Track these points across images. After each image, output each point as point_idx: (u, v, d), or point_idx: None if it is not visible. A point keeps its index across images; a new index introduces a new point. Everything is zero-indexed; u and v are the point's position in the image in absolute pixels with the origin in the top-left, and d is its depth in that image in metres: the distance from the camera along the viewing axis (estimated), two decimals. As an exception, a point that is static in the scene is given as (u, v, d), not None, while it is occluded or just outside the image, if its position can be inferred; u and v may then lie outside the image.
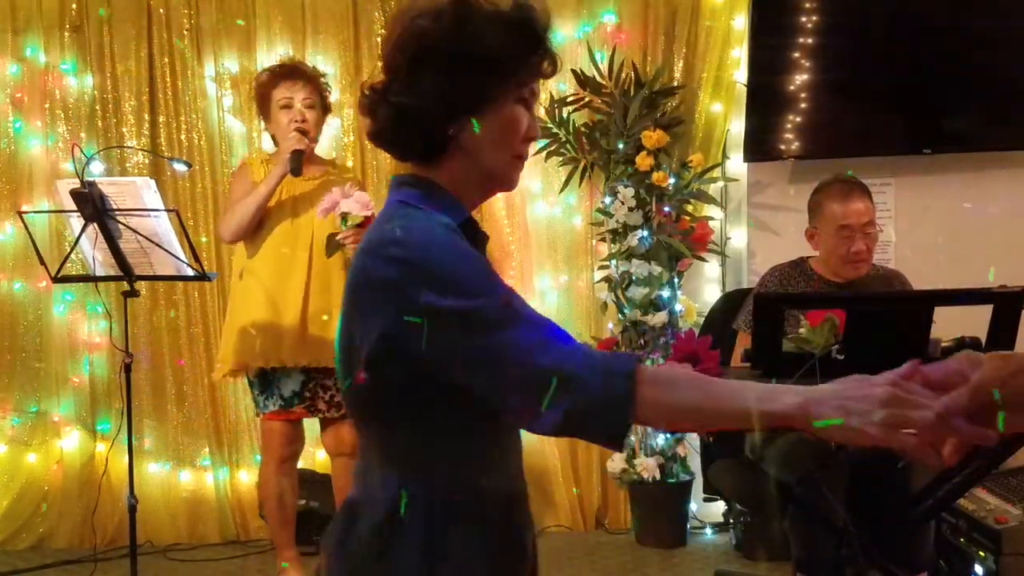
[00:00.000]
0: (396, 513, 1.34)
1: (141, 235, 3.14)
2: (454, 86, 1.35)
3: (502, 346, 1.24)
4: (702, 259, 4.23)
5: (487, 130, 1.38)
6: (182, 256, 3.22)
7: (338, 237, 3.21)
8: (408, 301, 1.26)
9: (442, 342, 1.26)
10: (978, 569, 3.21)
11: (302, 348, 3.37)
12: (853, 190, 3.14)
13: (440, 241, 1.31)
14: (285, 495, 3.56)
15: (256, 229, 3.40)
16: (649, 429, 4.10)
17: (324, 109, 3.55)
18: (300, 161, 3.37)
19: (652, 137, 4.04)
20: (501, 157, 1.41)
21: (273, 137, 3.55)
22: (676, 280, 4.18)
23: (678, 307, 4.17)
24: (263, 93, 3.48)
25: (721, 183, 4.30)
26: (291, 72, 3.49)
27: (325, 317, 3.41)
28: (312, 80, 3.49)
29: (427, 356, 1.27)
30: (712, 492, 3.65)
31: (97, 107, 4.33)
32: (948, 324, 2.70)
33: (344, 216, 3.24)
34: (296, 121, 3.41)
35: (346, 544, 1.38)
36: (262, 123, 3.65)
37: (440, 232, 1.32)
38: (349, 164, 4.19)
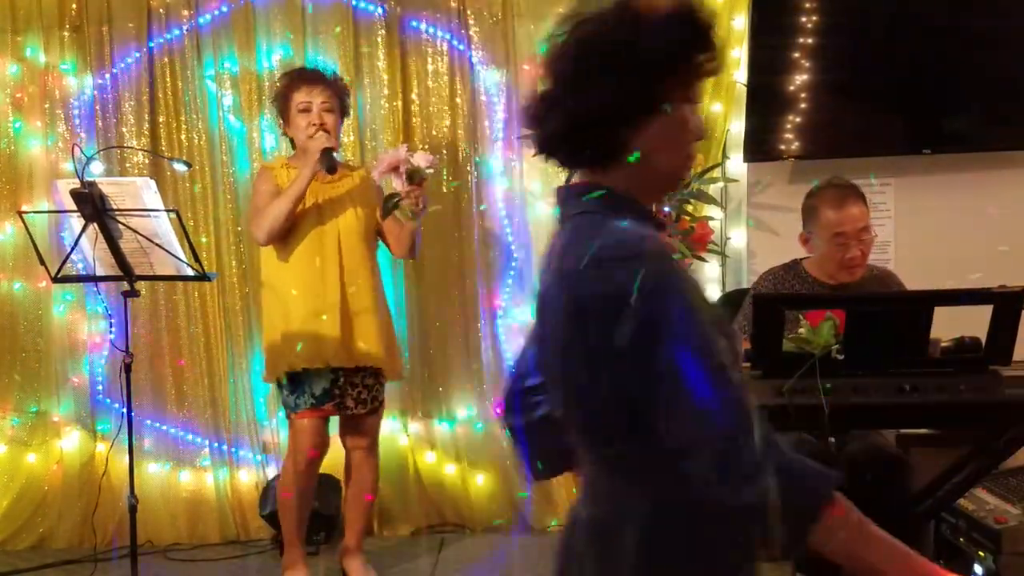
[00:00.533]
0: (654, 528, 1.32)
1: (141, 235, 3.15)
2: (627, 89, 1.34)
3: (721, 403, 1.23)
4: (702, 259, 4.22)
5: (662, 132, 1.36)
6: (182, 256, 3.22)
7: (404, 192, 3.32)
8: (644, 322, 1.24)
9: (663, 373, 1.24)
10: (977, 569, 3.22)
11: (344, 350, 3.47)
12: (848, 195, 3.09)
13: (671, 268, 1.29)
14: (305, 494, 3.65)
15: (285, 234, 3.46)
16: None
17: (342, 112, 3.61)
18: (333, 158, 3.44)
19: (652, 137, 4.04)
20: (677, 158, 1.40)
21: (292, 140, 3.60)
22: (676, 280, 4.18)
23: (678, 307, 4.16)
24: (283, 96, 3.56)
25: (721, 183, 4.30)
26: (311, 76, 3.56)
27: (323, 316, 3.43)
28: (331, 84, 3.56)
29: (645, 379, 1.25)
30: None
31: (97, 107, 4.33)
32: (948, 324, 2.70)
33: (411, 172, 3.33)
34: (315, 124, 3.47)
35: (607, 563, 1.36)
36: (280, 127, 3.70)
37: (664, 253, 1.29)
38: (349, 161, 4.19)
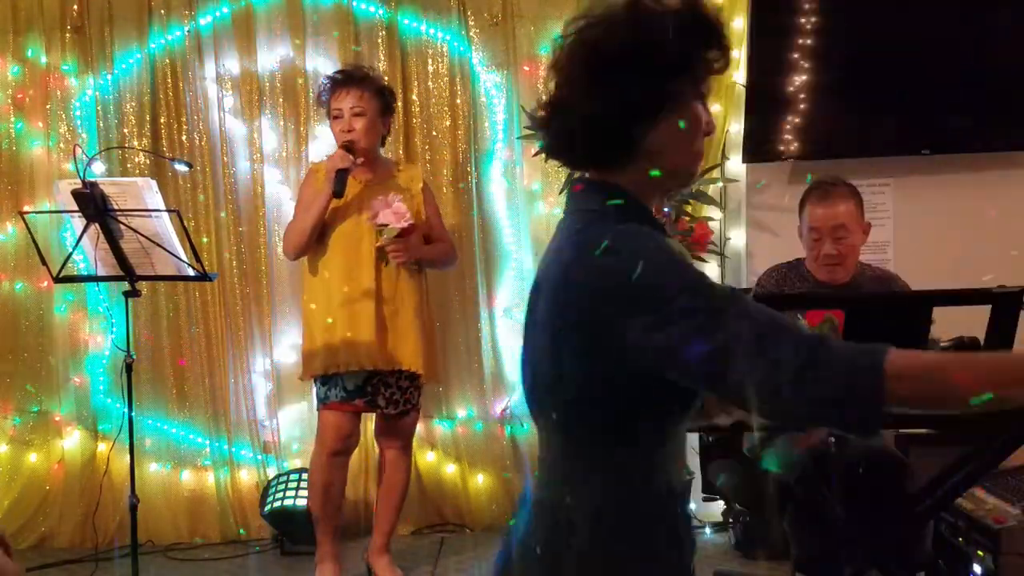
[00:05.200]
0: (609, 514, 1.37)
1: (142, 235, 3.15)
2: (636, 91, 1.36)
3: (742, 332, 1.23)
4: (701, 259, 4.23)
5: (672, 129, 1.38)
6: (183, 256, 3.23)
7: (377, 246, 3.45)
8: (632, 308, 1.27)
9: (675, 340, 1.25)
10: (976, 569, 3.22)
11: (379, 353, 3.47)
12: (831, 193, 3.11)
13: (653, 246, 1.31)
14: (332, 487, 3.60)
15: (315, 244, 3.50)
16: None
17: (382, 111, 3.55)
18: (344, 182, 3.42)
19: (652, 138, 4.04)
20: (687, 155, 1.42)
21: None
22: (676, 280, 4.18)
23: (678, 307, 4.17)
24: (323, 102, 3.57)
25: (720, 184, 4.31)
26: (343, 81, 3.53)
27: (358, 318, 3.48)
28: (361, 84, 3.50)
29: (656, 358, 1.27)
30: (711, 492, 3.66)
31: (98, 108, 4.34)
32: (947, 324, 2.71)
33: (381, 227, 3.41)
34: (344, 131, 3.47)
35: (554, 546, 1.39)
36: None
37: (648, 237, 1.33)
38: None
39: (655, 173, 1.40)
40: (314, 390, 3.64)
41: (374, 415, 3.71)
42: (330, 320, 3.47)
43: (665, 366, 1.28)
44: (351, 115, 3.47)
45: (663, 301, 1.26)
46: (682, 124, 1.38)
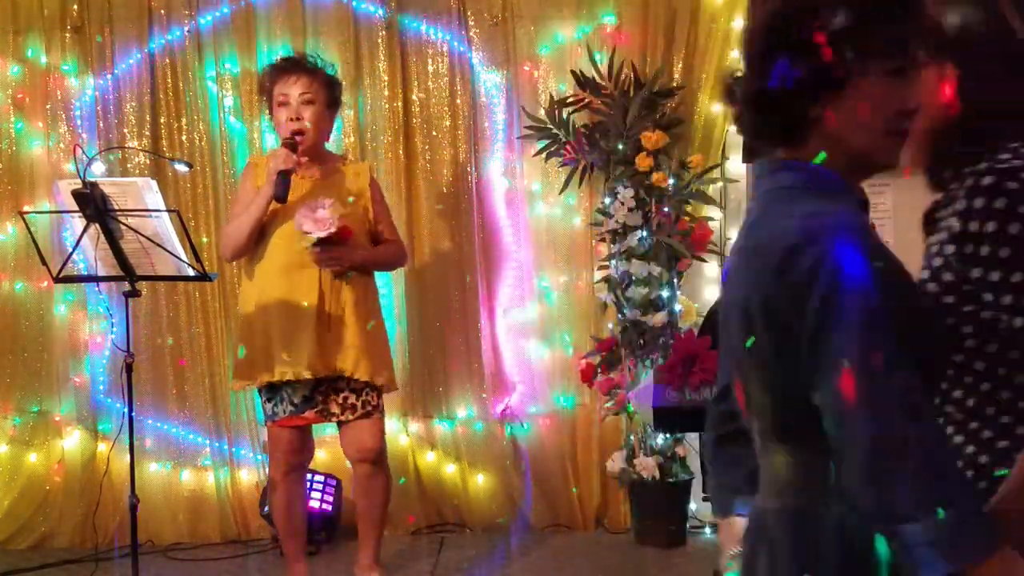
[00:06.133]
0: (856, 534, 1.30)
1: (142, 235, 3.15)
2: (809, 67, 1.30)
3: (875, 406, 1.20)
4: (701, 259, 4.24)
5: (849, 109, 1.31)
6: (183, 256, 3.23)
7: (312, 257, 3.23)
8: (818, 310, 1.23)
9: (826, 364, 1.23)
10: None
11: (321, 360, 3.28)
12: None
13: (857, 251, 1.24)
14: (293, 504, 3.49)
15: (261, 236, 3.34)
16: (648, 428, 4.10)
17: (330, 103, 3.41)
18: (287, 186, 3.22)
19: (651, 138, 4.05)
20: (869, 136, 1.34)
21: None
22: (676, 280, 4.19)
23: (677, 307, 4.18)
24: (265, 90, 3.43)
25: (720, 183, 4.31)
26: (289, 66, 3.39)
27: (300, 322, 3.32)
28: (311, 73, 3.36)
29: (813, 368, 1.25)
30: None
31: (98, 108, 4.34)
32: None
33: (305, 235, 3.20)
34: (292, 119, 3.31)
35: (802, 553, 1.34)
36: (268, 120, 3.62)
37: (852, 234, 1.26)
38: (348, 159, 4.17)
39: (822, 156, 1.34)
40: (260, 403, 3.47)
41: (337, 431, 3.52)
42: (268, 325, 3.30)
43: (809, 383, 1.26)
44: (300, 102, 3.29)
45: (830, 326, 1.22)
46: (858, 103, 1.31)
